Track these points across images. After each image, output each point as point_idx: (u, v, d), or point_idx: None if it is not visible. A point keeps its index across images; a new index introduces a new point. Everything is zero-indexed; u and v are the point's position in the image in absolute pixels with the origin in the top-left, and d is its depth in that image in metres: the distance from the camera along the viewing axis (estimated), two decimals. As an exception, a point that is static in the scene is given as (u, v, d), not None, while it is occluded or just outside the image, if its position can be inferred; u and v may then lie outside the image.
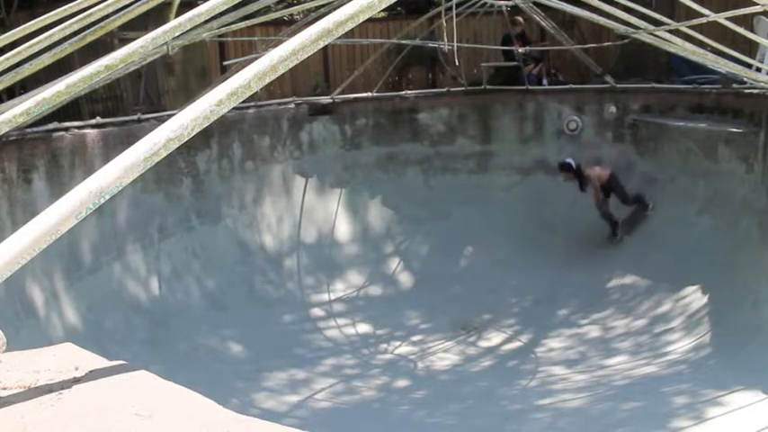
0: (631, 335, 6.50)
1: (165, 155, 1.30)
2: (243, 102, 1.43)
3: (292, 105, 8.44)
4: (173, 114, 1.52)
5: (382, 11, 7.85)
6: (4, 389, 1.22)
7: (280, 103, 8.44)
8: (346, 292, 7.74)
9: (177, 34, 2.80)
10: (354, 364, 6.41)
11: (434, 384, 6.00)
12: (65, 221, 1.21)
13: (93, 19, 3.53)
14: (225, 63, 9.37)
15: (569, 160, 8.06)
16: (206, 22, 3.79)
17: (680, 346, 6.07)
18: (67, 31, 3.46)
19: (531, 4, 8.02)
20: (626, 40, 7.76)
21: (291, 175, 8.35)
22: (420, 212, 8.64)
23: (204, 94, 1.38)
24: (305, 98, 8.90)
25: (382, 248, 8.40)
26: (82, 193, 1.23)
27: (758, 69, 6.99)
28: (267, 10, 6.83)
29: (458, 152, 9.08)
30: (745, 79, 6.89)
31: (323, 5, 6.24)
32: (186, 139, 1.32)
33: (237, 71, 1.54)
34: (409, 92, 9.45)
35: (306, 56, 1.42)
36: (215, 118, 1.34)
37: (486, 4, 8.47)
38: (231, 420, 1.12)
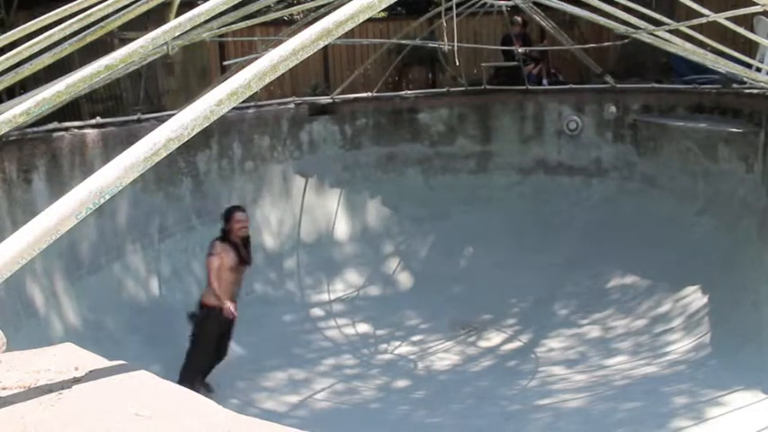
0: (631, 335, 6.50)
1: (165, 155, 1.30)
2: (243, 102, 1.43)
3: (292, 105, 8.44)
4: (173, 114, 1.52)
5: (382, 11, 7.85)
6: (4, 389, 1.22)
7: (280, 103, 8.44)
8: (346, 292, 7.74)
9: (177, 34, 2.80)
10: (354, 364, 6.41)
11: (434, 384, 6.00)
12: (65, 221, 1.21)
13: (93, 19, 3.53)
14: (225, 63, 9.37)
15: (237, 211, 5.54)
16: (206, 22, 3.79)
17: (680, 346, 6.07)
18: (67, 31, 3.45)
19: (531, 4, 8.02)
20: (626, 40, 7.76)
21: (291, 175, 8.35)
22: (420, 212, 8.64)
23: (204, 94, 1.38)
24: (305, 98, 8.89)
25: (382, 248, 8.40)
26: (82, 193, 1.23)
27: (758, 69, 6.98)
28: (267, 10, 6.83)
29: (458, 152, 9.08)
30: (745, 79, 6.89)
31: (323, 5, 6.24)
32: (186, 139, 1.32)
33: (237, 71, 1.54)
34: (409, 92, 9.44)
35: (306, 56, 1.42)
36: (215, 118, 1.34)
37: (486, 4, 8.47)
38: (231, 420, 1.12)
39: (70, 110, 7.91)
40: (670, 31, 6.05)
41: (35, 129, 5.59)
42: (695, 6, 5.09)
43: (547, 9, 7.80)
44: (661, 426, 4.72)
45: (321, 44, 1.42)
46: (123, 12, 3.68)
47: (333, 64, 12.67)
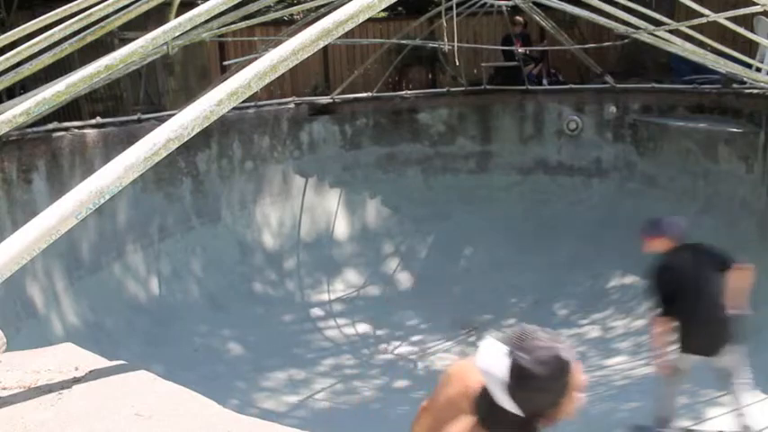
0: (631, 335, 6.49)
1: (165, 155, 1.31)
2: (243, 102, 1.44)
3: (292, 105, 8.44)
4: (173, 114, 1.52)
5: (382, 11, 7.84)
6: (4, 389, 1.22)
7: (280, 103, 8.44)
8: (346, 292, 7.74)
9: (177, 34, 2.80)
10: (354, 364, 6.41)
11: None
12: (65, 221, 1.22)
13: (93, 19, 3.53)
14: (225, 63, 9.37)
15: None
16: (206, 22, 3.79)
17: (680, 346, 6.06)
18: (67, 31, 3.46)
19: (531, 4, 8.02)
20: (626, 40, 7.76)
21: (291, 175, 8.35)
22: (420, 212, 8.63)
23: (204, 94, 1.38)
24: (305, 98, 8.89)
25: (382, 248, 8.40)
26: (82, 193, 1.23)
27: (758, 69, 6.98)
28: (267, 10, 6.84)
29: (458, 152, 9.08)
30: (745, 79, 6.89)
31: (323, 5, 6.24)
32: (186, 139, 1.32)
33: (237, 71, 1.54)
34: (409, 92, 9.44)
35: (306, 56, 1.42)
36: (215, 118, 1.35)
37: (486, 4, 8.47)
38: (231, 420, 1.12)
39: (70, 110, 7.92)
40: (670, 31, 6.06)
41: (35, 129, 5.59)
42: (695, 6, 5.09)
43: (547, 9, 7.80)
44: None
45: (321, 44, 1.43)
46: (123, 12, 3.69)
47: (333, 64, 12.66)
